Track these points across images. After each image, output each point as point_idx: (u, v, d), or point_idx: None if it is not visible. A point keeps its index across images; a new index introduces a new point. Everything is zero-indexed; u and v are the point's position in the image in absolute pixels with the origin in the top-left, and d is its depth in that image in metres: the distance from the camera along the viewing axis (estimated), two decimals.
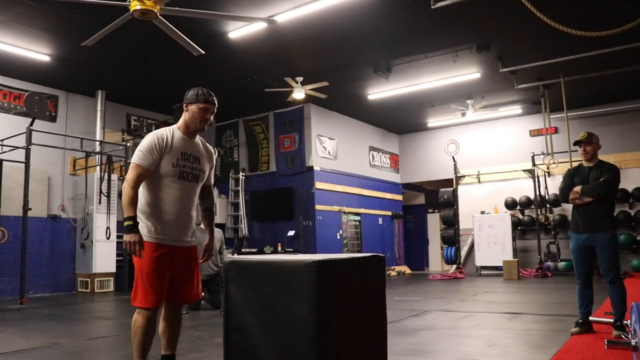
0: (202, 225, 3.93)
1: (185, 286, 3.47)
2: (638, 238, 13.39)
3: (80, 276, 11.38)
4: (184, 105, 3.48)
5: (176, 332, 3.58)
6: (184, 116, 3.49)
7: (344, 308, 2.62)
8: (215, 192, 14.41)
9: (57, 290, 11.18)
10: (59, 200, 11.49)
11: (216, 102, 3.53)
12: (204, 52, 7.88)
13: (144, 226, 3.32)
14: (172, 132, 3.44)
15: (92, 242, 11.12)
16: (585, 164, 5.30)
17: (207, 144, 3.69)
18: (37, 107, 9.85)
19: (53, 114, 11.51)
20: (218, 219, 13.93)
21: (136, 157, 3.31)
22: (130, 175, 3.28)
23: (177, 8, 6.40)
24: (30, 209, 9.40)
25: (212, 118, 3.53)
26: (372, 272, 2.93)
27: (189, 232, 3.49)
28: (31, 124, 9.59)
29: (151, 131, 10.49)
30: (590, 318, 5.22)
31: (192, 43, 7.44)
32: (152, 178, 3.35)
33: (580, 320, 5.13)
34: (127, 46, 9.49)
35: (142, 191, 3.37)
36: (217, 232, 8.04)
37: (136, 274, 3.33)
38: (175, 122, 3.57)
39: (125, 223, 3.17)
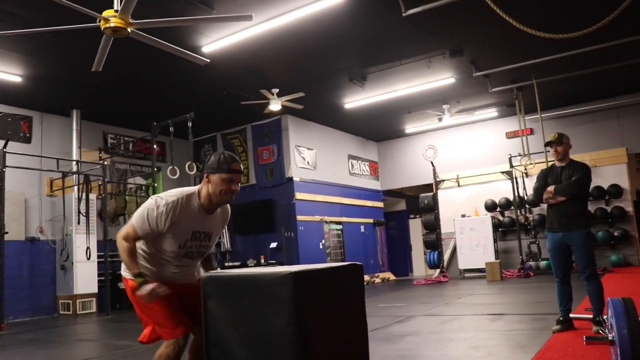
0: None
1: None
2: (615, 234, 13.57)
3: (62, 298, 11.23)
4: (205, 174, 3.01)
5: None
6: (206, 186, 3.00)
7: (324, 318, 2.62)
8: None
9: (37, 313, 11.01)
10: (37, 222, 11.34)
11: (242, 169, 3.07)
12: (208, 61, 7.83)
13: (143, 268, 3.03)
14: (189, 205, 3.00)
15: (72, 263, 10.99)
16: (557, 163, 5.40)
17: (226, 207, 3.27)
18: (9, 129, 9.73)
19: (27, 135, 11.38)
20: None
21: (137, 220, 2.96)
22: (123, 232, 2.96)
23: (147, 20, 6.37)
24: (6, 233, 9.27)
25: (238, 188, 3.04)
26: (351, 280, 2.94)
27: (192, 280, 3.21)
28: (4, 146, 9.47)
29: (128, 149, 10.24)
30: (571, 315, 5.29)
31: (188, 52, 7.39)
32: (154, 244, 3.04)
33: (561, 318, 5.19)
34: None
35: (142, 246, 3.07)
36: None
37: (144, 310, 3.05)
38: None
39: (138, 280, 2.87)
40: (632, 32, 9.32)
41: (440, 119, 14.35)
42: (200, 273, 3.23)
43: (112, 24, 6.06)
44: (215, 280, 2.75)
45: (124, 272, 3.10)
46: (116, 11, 6.03)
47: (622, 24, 7.68)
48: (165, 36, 7.37)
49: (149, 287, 2.84)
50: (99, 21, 6.08)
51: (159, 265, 3.07)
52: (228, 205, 3.24)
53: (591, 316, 5.09)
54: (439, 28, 9.13)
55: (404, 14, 7.86)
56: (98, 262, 11.23)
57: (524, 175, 14.31)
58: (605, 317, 4.31)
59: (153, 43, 6.77)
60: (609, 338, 3.29)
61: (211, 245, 3.24)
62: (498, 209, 15.22)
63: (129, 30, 6.23)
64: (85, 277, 11.08)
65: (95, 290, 11.25)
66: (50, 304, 11.28)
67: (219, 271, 2.93)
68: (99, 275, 11.27)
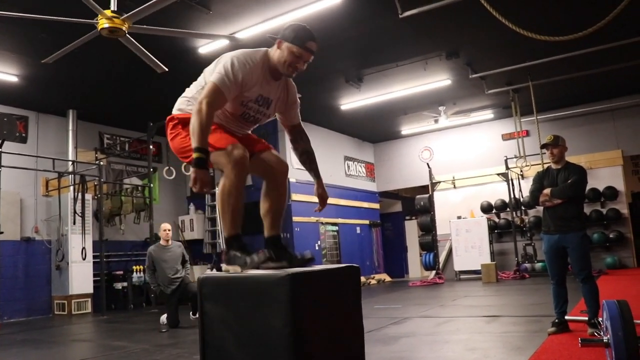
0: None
1: (260, 142, 3.11)
2: (610, 236, 13.61)
3: (57, 298, 11.20)
4: (278, 40, 2.89)
5: (280, 207, 3.18)
6: (274, 52, 2.91)
7: (320, 320, 2.63)
8: (192, 207, 14.37)
9: (32, 314, 10.98)
10: (33, 222, 11.32)
11: (315, 50, 2.93)
12: (167, 69, 7.82)
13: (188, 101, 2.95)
14: (261, 64, 2.90)
15: (67, 264, 10.96)
16: (553, 166, 5.41)
17: (293, 84, 3.18)
18: (5, 129, 9.73)
19: (23, 135, 11.36)
20: (195, 234, 13.86)
21: (219, 80, 2.77)
22: (207, 98, 2.72)
23: (145, 26, 6.38)
24: (2, 233, 9.25)
25: (304, 67, 2.94)
26: (347, 282, 2.95)
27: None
28: (0, 146, 9.45)
29: (124, 149, 10.27)
30: (566, 317, 5.29)
31: (156, 61, 7.39)
32: None
33: (557, 320, 5.20)
34: (97, 64, 9.43)
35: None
36: (178, 246, 8.10)
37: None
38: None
39: (195, 155, 2.64)
40: (628, 34, 9.36)
41: (436, 121, 14.38)
42: None
43: (111, 25, 6.06)
44: (212, 281, 2.75)
45: (178, 111, 3.04)
46: (113, 12, 6.03)
47: (617, 26, 7.71)
48: (161, 36, 7.38)
49: (205, 175, 2.66)
50: (97, 19, 6.08)
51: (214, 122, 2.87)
52: (295, 86, 3.17)
53: (586, 318, 5.10)
54: (435, 30, 9.16)
55: (400, 16, 7.89)
56: (93, 263, 11.21)
57: (520, 177, 14.33)
58: (600, 319, 4.32)
59: (154, 32, 6.75)
60: (604, 340, 3.30)
61: (269, 115, 3.12)
62: (494, 211, 15.25)
63: (124, 29, 6.22)
64: (80, 278, 11.05)
65: (90, 290, 11.22)
66: (46, 304, 11.25)
67: (215, 272, 2.93)
68: (94, 275, 11.24)
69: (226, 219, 2.85)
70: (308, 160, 3.38)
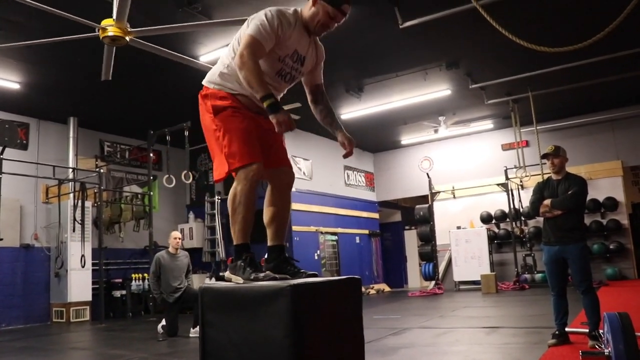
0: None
1: (278, 149, 3.05)
2: (611, 247, 13.60)
3: (55, 306, 11.16)
4: None
5: (284, 217, 3.13)
6: (308, 9, 2.91)
7: (321, 331, 2.62)
8: (192, 215, 14.36)
9: (31, 321, 10.94)
10: (32, 229, 11.30)
11: (348, 13, 2.96)
12: (110, 79, 7.70)
13: (228, 79, 2.89)
14: (297, 18, 2.90)
15: (66, 271, 10.93)
16: (554, 176, 5.42)
17: (320, 44, 3.18)
18: (7, 136, 9.74)
19: (24, 141, 11.36)
20: (195, 243, 13.84)
21: (255, 32, 2.75)
22: (247, 48, 2.71)
23: (144, 28, 6.39)
24: (1, 239, 9.24)
25: (334, 27, 2.97)
26: (349, 294, 2.94)
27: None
28: (1, 153, 9.45)
29: (125, 157, 10.29)
30: (567, 329, 5.28)
31: (168, 50, 7.37)
32: None
33: (557, 332, 5.18)
34: (98, 72, 9.42)
35: (232, 64, 2.86)
36: (185, 256, 8.02)
37: (218, 138, 2.88)
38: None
39: (266, 103, 2.65)
40: (627, 45, 9.41)
41: (436, 131, 14.40)
42: None
43: (110, 33, 6.08)
44: (213, 291, 2.75)
45: (209, 83, 2.97)
46: (116, 20, 6.05)
47: (616, 38, 7.74)
48: (163, 45, 7.39)
49: (286, 117, 2.65)
50: (98, 31, 6.10)
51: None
52: (322, 46, 3.17)
53: (587, 330, 5.08)
54: (435, 40, 9.19)
55: (400, 26, 7.93)
56: (92, 270, 11.17)
57: (520, 187, 14.34)
58: (601, 331, 4.31)
59: (152, 50, 6.77)
60: (605, 353, 3.29)
61: (302, 72, 3.12)
62: (493, 221, 15.25)
63: (127, 39, 6.25)
64: (79, 285, 11.02)
65: (89, 298, 11.18)
66: (44, 312, 11.20)
67: (216, 282, 2.93)
68: (93, 283, 11.20)
69: (235, 227, 2.87)
70: (329, 116, 3.27)
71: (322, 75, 3.26)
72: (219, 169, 2.92)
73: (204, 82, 3.08)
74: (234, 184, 2.85)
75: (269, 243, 3.11)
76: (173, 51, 7.36)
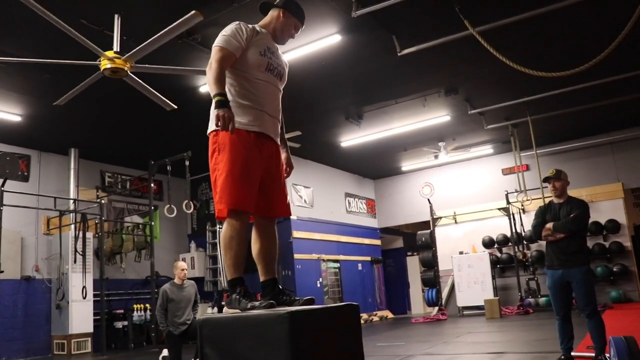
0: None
1: (277, 194, 3.17)
2: (614, 270, 13.52)
3: (56, 338, 11.06)
4: (281, 9, 3.25)
5: (273, 253, 3.19)
6: (276, 20, 3.26)
7: (320, 358, 2.59)
8: (193, 245, 14.33)
9: (32, 354, 10.83)
10: (33, 261, 11.26)
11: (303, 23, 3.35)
12: (176, 107, 7.92)
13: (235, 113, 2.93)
14: (257, 29, 3.18)
15: (68, 303, 10.86)
16: (555, 200, 5.42)
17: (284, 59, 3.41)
18: (8, 168, 9.78)
19: (25, 173, 11.40)
20: (197, 272, 13.77)
21: (219, 41, 3.00)
22: (214, 57, 2.94)
23: (147, 65, 6.47)
24: (2, 272, 9.20)
25: (294, 36, 3.35)
26: (347, 321, 2.92)
27: (278, 132, 3.22)
28: (2, 185, 9.47)
29: (125, 187, 10.38)
30: (573, 353, 5.22)
31: (164, 98, 7.49)
32: (240, 69, 3.05)
33: (563, 357, 5.14)
34: (98, 103, 9.52)
35: (231, 83, 3.03)
36: (192, 286, 7.88)
37: (220, 175, 2.96)
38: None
39: (215, 99, 2.78)
40: (624, 68, 9.48)
41: (436, 157, 14.44)
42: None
43: (112, 65, 6.15)
44: (212, 323, 2.73)
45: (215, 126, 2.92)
46: (116, 52, 6.12)
47: (614, 61, 7.80)
48: (163, 75, 7.47)
49: (229, 112, 2.74)
50: (99, 60, 6.17)
51: (253, 106, 3.02)
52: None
53: (593, 355, 5.03)
54: (434, 67, 9.27)
55: (399, 54, 8.02)
56: (94, 301, 11.10)
57: (521, 211, 14.32)
58: (607, 355, 4.27)
59: (155, 70, 6.83)
60: None
61: (285, 70, 3.31)
62: (496, 246, 15.18)
63: (126, 69, 6.31)
64: (80, 317, 10.94)
65: (90, 329, 11.09)
66: (45, 344, 11.09)
67: (216, 313, 2.91)
68: (94, 314, 11.12)
69: (228, 263, 2.94)
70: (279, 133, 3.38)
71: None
72: (217, 206, 3.00)
73: (208, 133, 3.14)
74: (226, 223, 2.96)
75: (261, 279, 3.16)
76: (173, 81, 7.44)
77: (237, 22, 3.11)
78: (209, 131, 3.11)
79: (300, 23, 3.29)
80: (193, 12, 5.49)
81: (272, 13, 3.28)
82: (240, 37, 3.02)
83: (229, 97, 2.93)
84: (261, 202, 3.06)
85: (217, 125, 2.76)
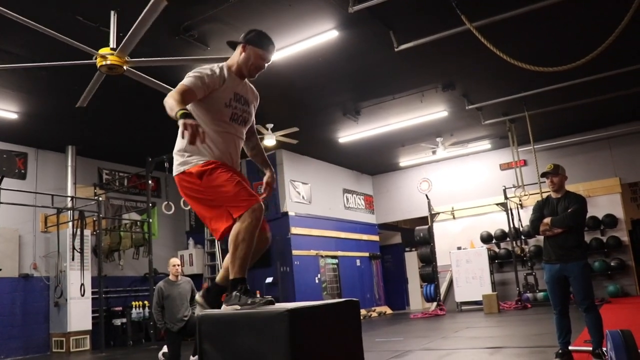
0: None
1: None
2: (612, 264, 13.55)
3: (55, 336, 11.06)
4: (242, 44, 3.21)
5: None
6: (238, 56, 3.22)
7: (320, 355, 2.60)
8: (191, 242, 14.34)
9: (30, 352, 10.83)
10: (31, 259, 11.25)
11: (273, 53, 3.31)
12: (85, 105, 7.76)
13: (185, 155, 3.05)
14: (225, 68, 3.16)
15: (66, 300, 10.86)
16: (553, 195, 5.42)
17: (254, 90, 3.44)
18: (5, 166, 9.75)
19: (22, 171, 11.38)
20: (195, 269, 13.79)
21: (185, 81, 2.98)
22: (176, 89, 2.93)
23: (141, 59, 6.45)
24: (0, 270, 9.19)
25: (264, 68, 3.30)
26: (347, 317, 2.92)
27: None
28: None
29: (123, 184, 10.43)
30: (570, 347, 5.23)
31: (170, 88, 7.43)
32: (202, 116, 3.06)
33: (560, 351, 5.14)
34: (95, 100, 9.47)
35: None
36: (187, 282, 7.89)
37: (210, 199, 2.99)
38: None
39: (179, 113, 2.68)
40: (622, 63, 9.48)
41: (434, 152, 14.44)
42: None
43: (108, 62, 6.13)
44: (210, 319, 2.73)
45: (181, 166, 3.07)
46: (112, 49, 6.11)
47: (611, 55, 7.81)
48: (160, 72, 7.45)
49: (194, 121, 2.66)
50: (95, 58, 6.15)
51: (211, 152, 3.04)
52: (254, 89, 3.42)
53: (591, 348, 5.05)
54: (431, 62, 9.26)
55: (396, 49, 8.01)
56: (92, 299, 11.11)
57: (519, 206, 14.34)
58: (605, 349, 4.28)
59: (144, 81, 6.82)
60: None
61: (251, 113, 3.32)
62: (494, 241, 15.21)
63: (124, 68, 6.30)
64: (79, 314, 10.94)
65: (89, 327, 11.09)
66: (43, 342, 11.10)
67: (213, 310, 2.90)
68: (93, 311, 11.13)
69: (236, 263, 2.89)
70: (259, 153, 3.56)
71: (253, 117, 3.45)
72: (219, 224, 2.99)
73: (175, 174, 3.17)
74: (238, 223, 2.89)
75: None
76: (170, 77, 7.41)
77: (207, 66, 3.09)
78: (175, 174, 3.15)
79: (266, 52, 3.22)
80: None
81: (236, 50, 3.26)
82: (206, 79, 3.00)
83: (181, 146, 3.03)
84: None
85: (182, 136, 2.68)
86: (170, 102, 2.80)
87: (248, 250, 2.87)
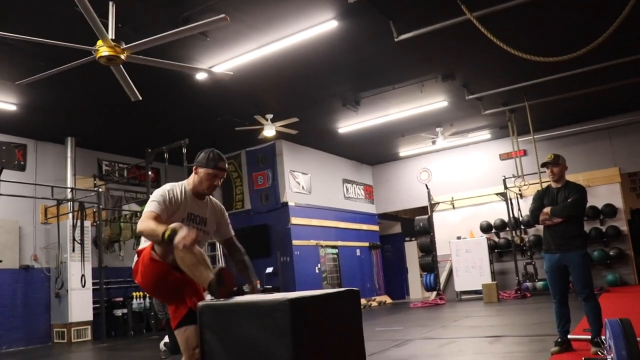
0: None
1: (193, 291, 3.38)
2: (611, 253, 13.59)
3: (56, 326, 11.11)
4: (195, 167, 3.51)
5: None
6: (194, 177, 3.50)
7: (321, 344, 2.61)
8: None
9: (32, 342, 10.88)
10: (31, 250, 11.27)
11: (226, 167, 3.56)
12: (140, 98, 7.78)
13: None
14: (183, 189, 3.47)
15: (67, 291, 10.89)
16: (553, 185, 5.42)
17: (216, 202, 3.70)
18: (4, 157, 9.72)
19: (22, 163, 11.37)
20: None
21: (150, 206, 3.30)
22: (144, 217, 3.24)
23: (141, 57, 6.44)
24: (0, 261, 9.21)
25: (219, 183, 3.54)
26: (348, 306, 2.94)
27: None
28: None
29: (123, 176, 10.54)
30: (569, 336, 5.26)
31: (134, 88, 7.40)
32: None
33: (559, 339, 5.17)
34: (94, 92, 9.49)
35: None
36: None
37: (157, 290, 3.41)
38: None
39: (167, 234, 2.99)
40: (621, 53, 9.45)
41: (434, 142, 14.42)
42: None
43: (104, 53, 6.10)
44: (211, 309, 2.74)
45: (141, 246, 3.37)
46: (113, 41, 6.08)
47: (610, 46, 7.78)
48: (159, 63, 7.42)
49: (183, 231, 2.96)
50: (94, 52, 6.13)
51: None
52: (221, 204, 3.72)
53: (589, 337, 5.08)
54: (431, 52, 9.24)
55: (396, 39, 7.98)
56: (93, 290, 11.14)
57: (519, 196, 14.36)
58: (603, 337, 4.30)
59: (150, 63, 6.79)
60: (608, 359, 3.28)
61: (208, 232, 3.58)
62: (493, 231, 15.24)
63: (122, 57, 6.27)
64: (80, 305, 10.98)
65: (90, 318, 11.14)
66: (45, 333, 11.14)
67: (214, 300, 2.92)
68: (94, 302, 11.16)
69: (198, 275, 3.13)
70: (244, 268, 3.75)
71: (231, 230, 3.76)
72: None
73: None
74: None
75: None
76: (168, 70, 7.40)
77: (165, 188, 3.42)
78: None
79: (217, 169, 3.46)
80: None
81: (192, 173, 3.55)
82: (167, 202, 3.32)
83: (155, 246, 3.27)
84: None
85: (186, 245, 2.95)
86: (149, 229, 3.12)
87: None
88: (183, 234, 2.94)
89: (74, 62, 6.45)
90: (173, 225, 3.03)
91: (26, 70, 8.40)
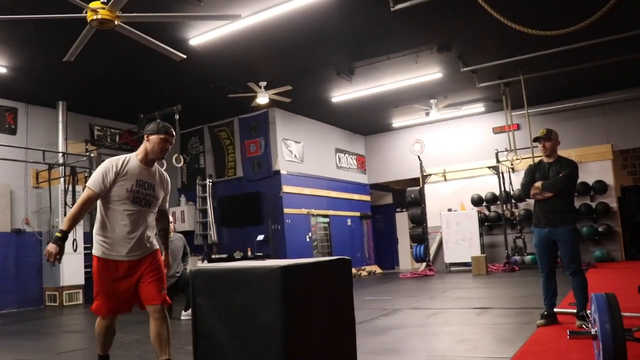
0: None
1: (144, 289, 3.79)
2: (599, 230, 13.72)
3: (48, 290, 11.18)
4: (145, 135, 3.84)
5: (160, 337, 3.73)
6: (145, 145, 3.82)
7: (312, 312, 2.64)
8: (183, 199, 14.40)
9: (24, 305, 10.95)
10: (23, 214, 11.26)
11: (174, 134, 3.93)
12: (185, 57, 7.76)
13: (95, 242, 3.81)
14: (128, 160, 3.77)
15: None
16: (545, 159, 5.44)
17: (164, 172, 4.05)
18: None
19: (12, 126, 11.28)
20: (187, 226, 13.90)
21: (90, 182, 3.68)
22: (82, 196, 3.68)
23: (135, 14, 6.34)
24: None
25: (169, 148, 3.88)
26: (339, 275, 2.97)
27: (139, 249, 3.79)
28: None
29: (115, 141, 10.55)
30: (555, 310, 5.35)
31: (168, 48, 7.33)
32: (107, 200, 3.71)
33: (546, 312, 5.26)
34: (86, 56, 9.34)
35: (99, 211, 3.78)
36: (179, 239, 7.93)
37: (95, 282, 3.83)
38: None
39: (56, 233, 3.55)
40: (618, 30, 9.41)
41: (427, 114, 14.40)
42: (155, 242, 3.95)
43: (99, 16, 6.00)
44: (204, 274, 2.76)
45: (94, 252, 3.83)
46: (104, 3, 5.98)
47: (608, 22, 7.74)
48: (152, 28, 7.34)
49: (56, 248, 3.51)
50: (85, 12, 6.02)
51: (111, 235, 3.73)
52: (167, 175, 4.08)
53: (575, 311, 5.16)
54: (427, 23, 9.16)
55: (392, 9, 7.88)
56: (85, 254, 11.17)
57: (510, 170, 14.42)
58: (589, 312, 4.36)
59: (136, 37, 6.71)
60: (592, 333, 3.33)
61: (157, 197, 3.91)
62: (484, 204, 15.34)
63: (115, 22, 6.18)
64: (71, 269, 11.03)
65: (82, 282, 11.21)
66: (37, 296, 11.21)
67: (207, 265, 2.94)
68: (85, 267, 11.21)
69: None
70: (163, 236, 4.25)
71: (167, 202, 4.15)
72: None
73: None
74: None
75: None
76: (161, 35, 7.31)
77: (109, 161, 3.73)
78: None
79: (168, 135, 3.83)
80: None
81: (143, 142, 3.87)
82: (107, 177, 3.65)
83: (95, 224, 3.80)
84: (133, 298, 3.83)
85: (46, 258, 3.54)
86: (70, 213, 3.67)
87: (102, 341, 3.92)
88: (55, 249, 3.51)
89: (62, 15, 6.30)
90: (64, 233, 3.59)
91: (16, 32, 8.30)
